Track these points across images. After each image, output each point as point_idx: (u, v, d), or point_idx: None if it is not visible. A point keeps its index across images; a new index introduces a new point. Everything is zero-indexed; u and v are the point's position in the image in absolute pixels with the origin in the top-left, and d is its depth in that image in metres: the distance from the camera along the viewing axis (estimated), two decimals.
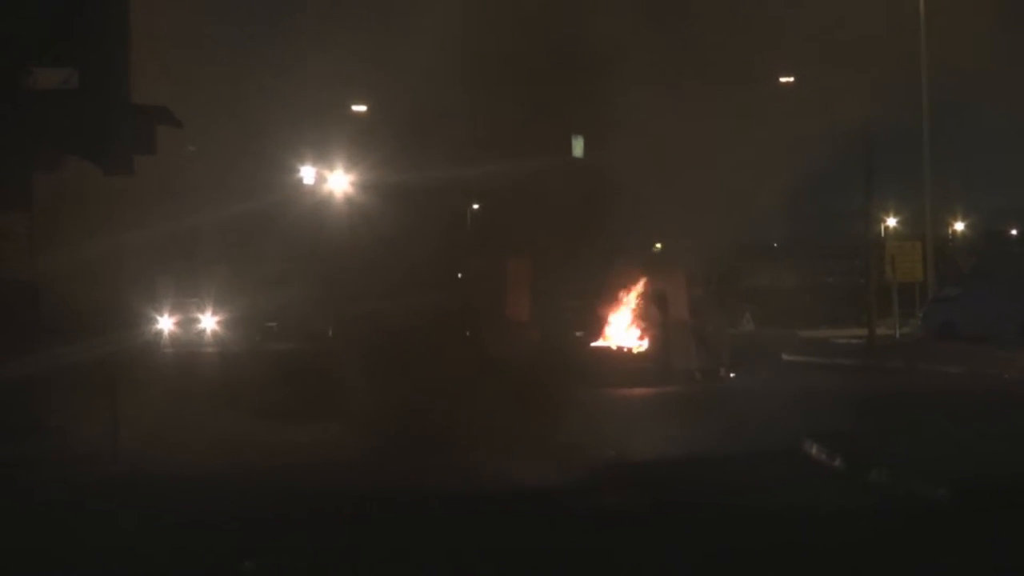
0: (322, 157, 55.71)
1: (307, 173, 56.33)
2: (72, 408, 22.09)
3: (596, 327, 40.09)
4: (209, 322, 51.02)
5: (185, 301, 51.02)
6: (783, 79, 59.43)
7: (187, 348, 46.25)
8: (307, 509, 16.01)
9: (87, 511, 16.37)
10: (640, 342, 39.47)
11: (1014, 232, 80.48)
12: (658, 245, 46.77)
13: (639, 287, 40.28)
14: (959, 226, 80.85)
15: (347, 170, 54.95)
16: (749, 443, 22.09)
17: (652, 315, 39.46)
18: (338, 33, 52.01)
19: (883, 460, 18.76)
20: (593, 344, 39.48)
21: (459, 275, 44.97)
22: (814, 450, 20.93)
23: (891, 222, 75.78)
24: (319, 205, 53.90)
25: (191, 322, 51.41)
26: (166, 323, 49.30)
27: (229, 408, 26.43)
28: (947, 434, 22.27)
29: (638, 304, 40.12)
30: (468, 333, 38.10)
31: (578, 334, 39.35)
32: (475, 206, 51.82)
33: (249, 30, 54.61)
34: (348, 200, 53.87)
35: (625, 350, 39.36)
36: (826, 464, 20.06)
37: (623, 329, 39.98)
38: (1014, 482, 16.58)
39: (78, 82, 18.75)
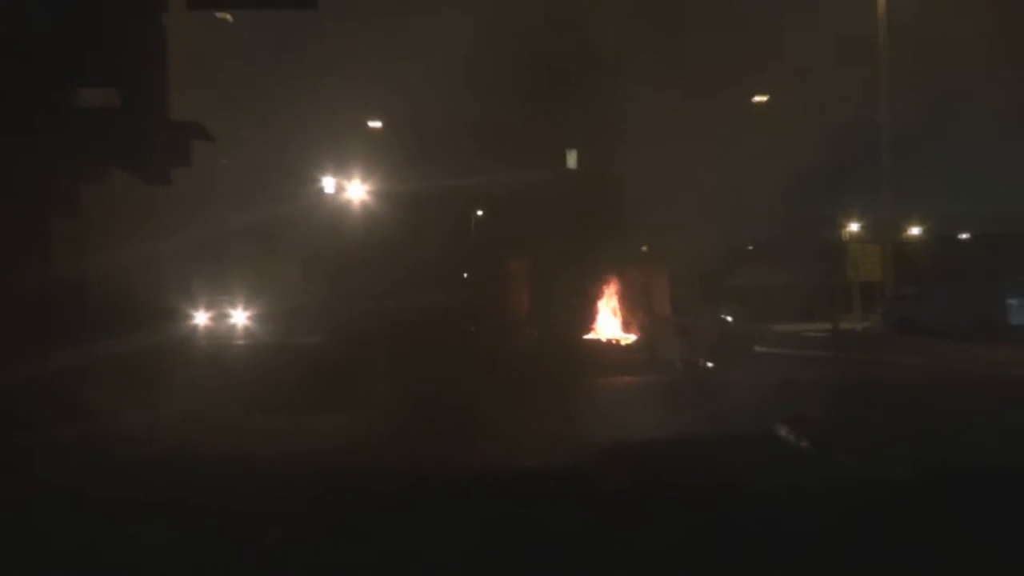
0: (341, 169, 55.80)
1: (327, 183, 56.37)
2: (115, 395, 22.01)
3: (588, 322, 40.12)
4: (240, 317, 50.97)
5: (218, 299, 50.96)
6: (756, 98, 59.49)
7: (220, 340, 46.18)
8: (325, 488, 15.93)
9: (127, 488, 16.35)
10: (628, 335, 39.50)
11: (964, 236, 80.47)
12: (644, 248, 46.82)
13: (627, 285, 40.33)
14: (915, 231, 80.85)
15: (363, 180, 55.00)
16: (729, 427, 22.04)
17: (639, 310, 39.50)
18: (353, 56, 52.08)
19: (848, 443, 18.78)
20: (585, 337, 39.51)
21: (464, 275, 45.00)
22: (785, 433, 20.93)
23: (855, 227, 75.67)
24: (338, 212, 53.94)
25: (223, 317, 51.34)
26: (201, 318, 49.16)
27: (256, 396, 26.32)
28: (906, 420, 22.24)
29: (626, 301, 40.17)
30: (472, 328, 38.14)
31: (572, 329, 39.34)
32: (479, 212, 51.93)
33: (276, 56, 54.48)
34: (364, 207, 53.93)
35: (614, 342, 39.37)
36: (796, 446, 20.06)
37: (612, 323, 40.03)
38: (969, 464, 16.60)
39: (120, 101, 18.73)
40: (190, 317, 45.30)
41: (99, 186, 20.62)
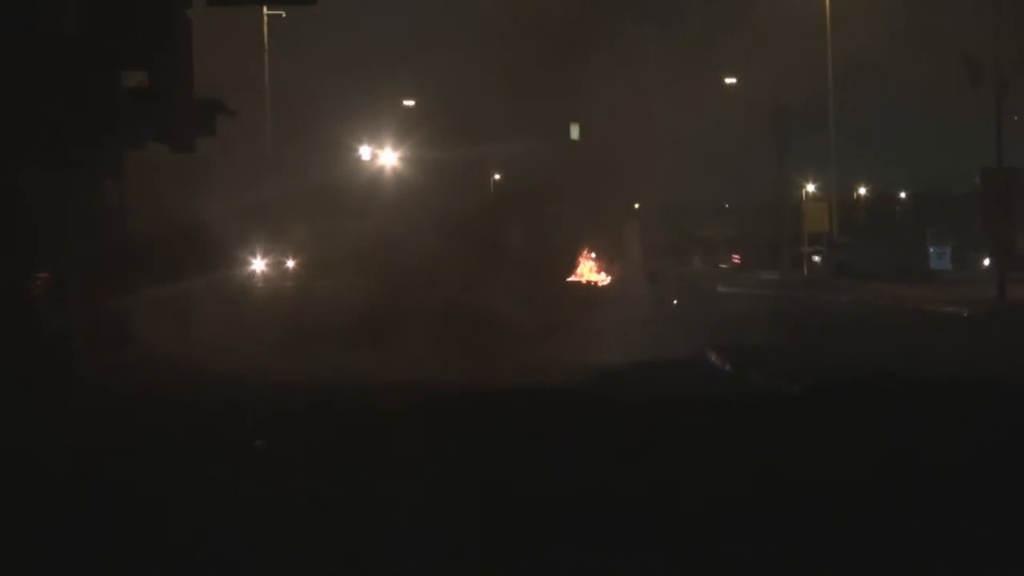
0: (375, 139, 55.91)
1: (364, 151, 56.44)
2: (159, 327, 22.01)
3: (572, 267, 40.04)
4: (290, 263, 50.95)
5: (273, 248, 50.83)
6: (728, 79, 59.17)
7: (273, 282, 46.42)
8: (324, 403, 15.91)
9: (162, 394, 16.45)
10: (605, 277, 39.50)
11: (903, 195, 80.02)
12: (636, 205, 46.79)
13: (605, 238, 40.36)
14: (862, 190, 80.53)
15: (394, 149, 55.18)
16: (674, 352, 22.20)
17: (613, 258, 39.59)
18: (390, 37, 52.28)
19: (760, 365, 18.92)
20: (569, 279, 39.41)
21: (482, 229, 44.76)
22: (713, 358, 21.14)
23: (810, 187, 75.19)
24: (373, 176, 54.14)
25: (278, 264, 51.23)
26: (259, 264, 49.13)
27: (291, 326, 26.22)
28: (816, 345, 22.40)
29: (603, 250, 40.20)
30: (483, 272, 37.96)
31: (558, 272, 39.15)
32: (496, 176, 51.97)
33: (317, 42, 54.52)
34: (395, 172, 54.14)
35: (592, 283, 39.35)
36: (720, 368, 20.27)
37: (593, 268, 40.00)
38: (851, 382, 16.72)
39: (150, 82, 18.79)
40: (249, 264, 45.46)
41: (143, 152, 20.59)
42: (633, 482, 10.71)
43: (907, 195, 79.08)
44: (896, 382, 16.52)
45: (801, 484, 10.58)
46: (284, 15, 54.30)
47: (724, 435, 13.39)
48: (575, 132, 49.29)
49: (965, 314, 30.04)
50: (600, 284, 39.17)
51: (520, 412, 15.19)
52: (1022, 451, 11.94)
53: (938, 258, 49.31)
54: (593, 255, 40.16)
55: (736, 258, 63.99)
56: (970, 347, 22.65)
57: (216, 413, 14.95)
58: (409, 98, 58.62)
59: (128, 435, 13.24)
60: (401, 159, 55.10)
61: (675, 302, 37.29)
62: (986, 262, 32.97)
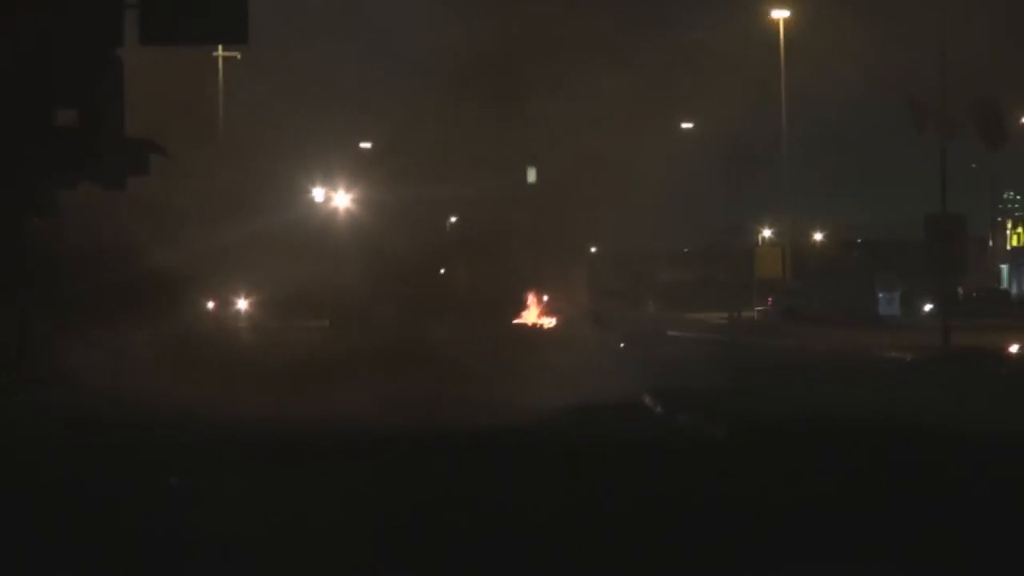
0: (328, 179, 55.83)
1: (317, 193, 56.37)
2: (99, 367, 22.01)
3: (518, 310, 40.22)
4: (241, 304, 50.50)
5: (223, 289, 50.41)
6: (685, 124, 59.62)
7: (222, 322, 46.21)
8: (256, 443, 15.95)
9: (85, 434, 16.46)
10: (549, 320, 39.72)
11: (859, 240, 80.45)
12: (593, 249, 47.02)
13: (551, 280, 40.55)
14: (818, 236, 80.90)
15: (348, 190, 55.18)
16: (611, 395, 22.35)
17: (559, 301, 39.78)
18: (344, 81, 52.38)
19: (690, 408, 19.20)
20: (514, 322, 39.57)
21: (433, 271, 44.81)
22: (647, 401, 21.39)
23: (767, 233, 75.68)
24: (327, 218, 54.08)
25: (228, 304, 50.77)
26: (208, 305, 48.84)
27: (236, 367, 26.18)
28: (751, 389, 22.67)
29: (550, 292, 40.40)
30: (432, 314, 38.04)
31: (504, 316, 39.29)
32: (452, 219, 52.06)
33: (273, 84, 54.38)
34: (349, 214, 54.17)
35: (538, 326, 39.55)
36: (652, 410, 20.51)
37: (537, 311, 40.21)
38: (772, 425, 17.03)
39: (79, 121, 18.87)
40: (197, 304, 45.22)
41: (76, 191, 20.55)
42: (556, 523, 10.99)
43: (861, 241, 79.59)
44: (820, 425, 16.76)
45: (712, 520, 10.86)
46: (239, 56, 54.46)
47: (642, 475, 13.63)
48: (532, 175, 49.57)
49: (908, 359, 30.39)
50: (546, 327, 39.38)
51: (453, 453, 15.35)
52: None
53: (887, 304, 49.84)
54: (543, 298, 40.37)
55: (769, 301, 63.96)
56: (906, 393, 22.95)
57: (134, 449, 14.95)
58: (364, 138, 58.75)
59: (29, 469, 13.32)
60: (354, 200, 55.14)
61: (621, 345, 37.48)
62: (927, 307, 33.56)
